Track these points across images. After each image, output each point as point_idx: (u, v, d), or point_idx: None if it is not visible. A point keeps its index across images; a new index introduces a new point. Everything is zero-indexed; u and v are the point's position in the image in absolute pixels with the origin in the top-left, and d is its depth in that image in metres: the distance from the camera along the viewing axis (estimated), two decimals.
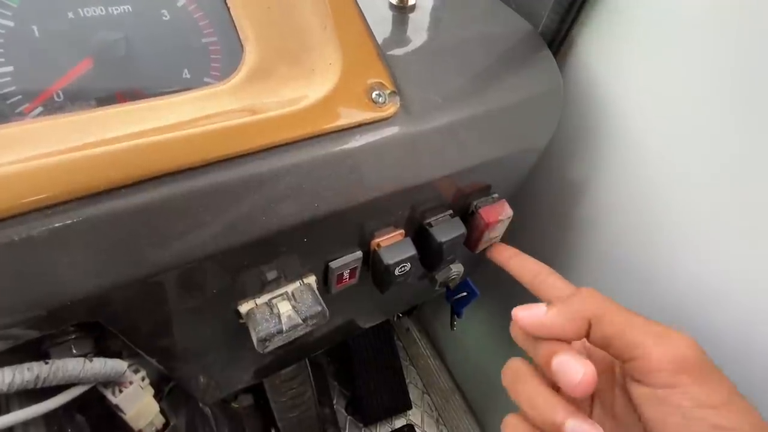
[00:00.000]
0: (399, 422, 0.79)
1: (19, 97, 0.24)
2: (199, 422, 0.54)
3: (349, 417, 0.79)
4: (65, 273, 0.20)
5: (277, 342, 0.27)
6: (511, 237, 0.48)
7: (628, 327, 0.20)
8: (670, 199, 0.32)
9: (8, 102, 0.24)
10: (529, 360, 0.25)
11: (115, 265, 0.21)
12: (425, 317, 0.89)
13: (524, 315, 0.23)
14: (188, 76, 0.26)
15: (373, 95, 0.25)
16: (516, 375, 0.23)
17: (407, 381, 0.81)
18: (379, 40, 0.27)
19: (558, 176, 0.41)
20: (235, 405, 0.76)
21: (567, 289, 0.29)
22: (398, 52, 0.28)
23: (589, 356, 0.25)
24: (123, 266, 0.21)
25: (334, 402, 0.81)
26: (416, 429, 0.78)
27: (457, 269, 0.40)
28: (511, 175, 0.35)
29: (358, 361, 0.77)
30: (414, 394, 0.82)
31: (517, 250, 0.35)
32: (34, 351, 0.25)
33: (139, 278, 0.22)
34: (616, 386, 0.23)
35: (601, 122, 0.35)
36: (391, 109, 0.25)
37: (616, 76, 0.33)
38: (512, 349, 0.62)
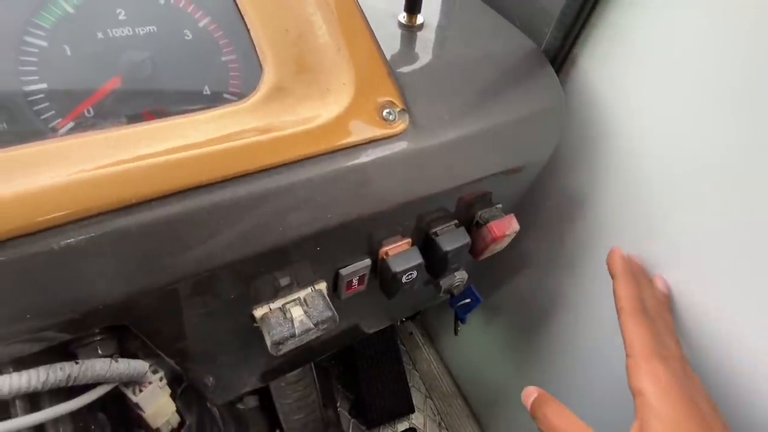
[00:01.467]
0: (402, 426, 0.80)
1: (53, 112, 0.25)
2: (208, 422, 0.55)
3: (352, 420, 0.80)
4: (97, 280, 0.21)
5: (290, 345, 0.29)
6: (513, 245, 0.49)
7: None
8: (670, 211, 0.33)
9: (42, 117, 0.25)
10: None
11: (142, 273, 0.22)
12: (429, 322, 0.90)
13: None
14: (208, 92, 0.28)
15: (384, 113, 0.26)
16: (540, 399, 0.24)
17: (410, 385, 0.82)
18: (389, 58, 0.29)
19: (559, 187, 0.42)
20: (241, 406, 0.77)
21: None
22: (407, 69, 0.29)
23: None
24: (149, 274, 0.23)
25: (338, 405, 0.82)
26: None
27: (461, 276, 0.42)
28: (515, 186, 0.36)
29: (362, 364, 0.78)
30: (417, 398, 0.83)
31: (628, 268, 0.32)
32: (62, 352, 0.26)
33: (163, 285, 0.23)
34: None
35: (602, 136, 0.36)
36: (400, 126, 0.27)
37: (616, 92, 0.34)
38: (514, 354, 0.63)
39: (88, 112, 0.26)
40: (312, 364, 0.70)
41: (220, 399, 0.39)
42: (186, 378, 0.35)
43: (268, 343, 0.28)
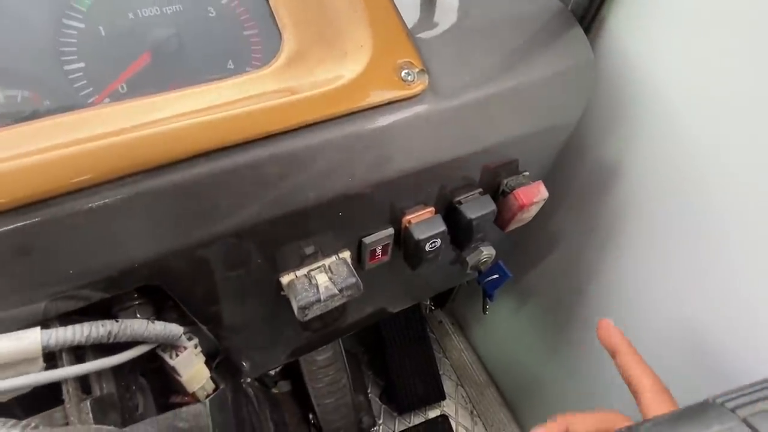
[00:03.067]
0: (433, 413, 0.79)
1: (90, 89, 0.27)
2: (243, 400, 0.57)
3: (383, 406, 0.81)
4: (131, 239, 0.22)
5: (316, 311, 0.29)
6: (543, 222, 0.47)
7: None
8: (713, 179, 0.31)
9: (81, 94, 0.27)
10: None
11: (173, 233, 0.23)
12: (458, 310, 0.89)
13: None
14: (232, 66, 0.29)
15: (403, 74, 0.26)
16: None
17: (441, 373, 0.82)
18: (408, 21, 0.29)
19: (592, 157, 0.41)
20: (275, 391, 0.79)
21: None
22: (426, 31, 0.29)
23: None
24: (179, 234, 0.24)
25: (369, 391, 0.82)
26: (451, 420, 0.78)
27: (488, 252, 0.41)
28: (542, 153, 0.35)
29: (391, 351, 0.78)
30: (448, 386, 0.82)
31: (627, 341, 0.29)
32: (105, 315, 0.28)
33: (192, 245, 0.24)
34: None
35: (635, 101, 0.34)
36: (420, 86, 0.26)
37: (649, 51, 0.32)
38: (547, 340, 0.61)
39: (122, 87, 0.28)
40: (342, 349, 0.71)
41: (252, 371, 0.40)
42: (221, 350, 0.36)
43: (295, 308, 0.29)
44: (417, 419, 0.79)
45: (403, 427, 0.79)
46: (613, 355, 0.29)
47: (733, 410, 0.10)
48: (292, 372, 0.74)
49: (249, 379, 0.67)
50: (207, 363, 0.36)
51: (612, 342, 0.29)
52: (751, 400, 0.10)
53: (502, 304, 0.67)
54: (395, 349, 0.79)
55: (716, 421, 0.10)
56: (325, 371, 0.71)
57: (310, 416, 0.76)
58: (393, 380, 0.77)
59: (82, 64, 0.27)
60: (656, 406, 0.24)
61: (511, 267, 0.51)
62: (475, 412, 0.80)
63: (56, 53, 0.27)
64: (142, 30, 0.28)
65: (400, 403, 0.77)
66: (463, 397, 0.82)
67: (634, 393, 0.26)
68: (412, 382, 0.78)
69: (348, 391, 0.73)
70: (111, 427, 0.17)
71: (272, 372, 0.76)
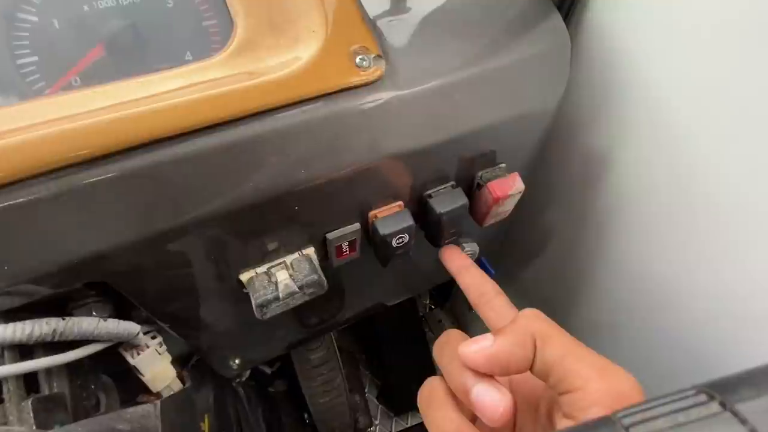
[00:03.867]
0: None
1: (43, 83, 0.27)
2: (230, 400, 0.57)
3: (380, 406, 0.79)
4: (69, 235, 0.22)
5: (275, 309, 0.28)
6: (533, 218, 0.45)
7: (572, 355, 0.19)
8: (707, 169, 0.28)
9: (33, 88, 0.27)
10: None
11: (114, 228, 0.23)
12: (458, 310, 0.87)
13: (471, 351, 0.20)
14: (190, 57, 0.28)
15: (357, 60, 0.25)
16: (430, 398, 0.22)
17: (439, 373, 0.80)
18: (369, 7, 0.27)
19: (579, 148, 0.38)
20: (271, 390, 0.79)
21: (511, 314, 0.27)
22: (385, 16, 0.27)
23: (513, 393, 0.23)
24: (122, 230, 0.23)
25: (366, 391, 0.81)
26: None
27: (471, 248, 0.39)
28: (519, 143, 0.33)
29: (387, 350, 0.77)
30: None
31: (470, 261, 0.32)
32: (60, 312, 0.28)
33: (136, 242, 0.23)
34: (539, 425, 0.22)
35: (623, 87, 0.32)
36: (376, 72, 0.25)
37: (635, 35, 0.30)
38: None
39: (75, 80, 0.27)
40: (336, 347, 0.70)
41: (227, 372, 0.39)
42: (189, 347, 0.35)
43: (253, 305, 0.28)
44: (414, 420, 0.78)
45: (400, 428, 0.77)
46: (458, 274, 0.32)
47: (627, 428, 0.09)
48: (287, 371, 0.74)
49: (243, 378, 0.67)
50: (178, 362, 0.35)
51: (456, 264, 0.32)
52: (651, 416, 0.09)
53: None
54: (392, 349, 0.78)
55: None
56: (319, 370, 0.70)
57: (306, 416, 0.75)
58: (389, 380, 0.76)
59: (35, 58, 0.27)
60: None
61: (500, 264, 0.49)
62: None
63: (9, 47, 0.26)
64: (97, 22, 0.27)
65: (396, 404, 0.76)
66: None
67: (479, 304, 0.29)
68: (408, 382, 0.76)
69: (343, 391, 0.72)
70: (22, 428, 0.16)
71: (268, 371, 0.76)
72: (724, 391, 0.09)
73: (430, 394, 0.22)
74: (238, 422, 0.57)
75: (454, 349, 0.22)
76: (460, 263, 0.32)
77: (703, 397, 0.09)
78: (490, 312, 0.28)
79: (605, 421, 0.09)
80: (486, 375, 0.20)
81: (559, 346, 0.20)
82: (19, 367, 0.22)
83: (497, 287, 0.30)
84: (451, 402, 0.21)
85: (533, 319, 0.21)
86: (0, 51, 0.26)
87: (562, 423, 0.19)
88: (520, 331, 0.20)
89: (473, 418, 0.23)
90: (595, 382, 0.18)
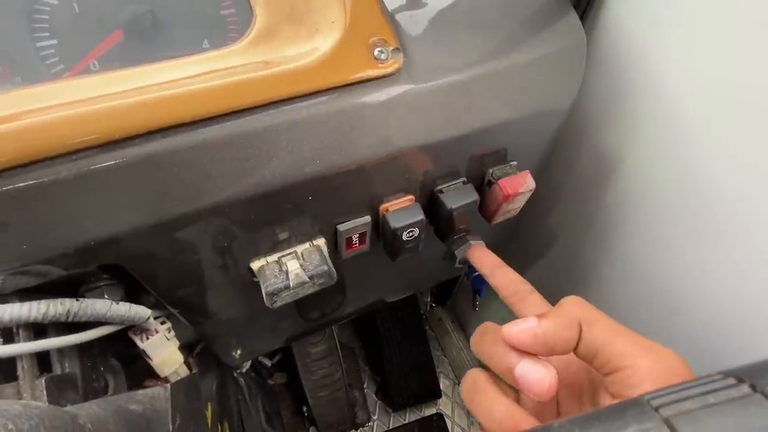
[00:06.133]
0: (429, 411, 0.78)
1: (62, 66, 0.27)
2: (232, 389, 0.57)
3: (379, 402, 0.80)
4: (88, 216, 0.22)
5: (285, 298, 0.28)
6: (541, 217, 0.46)
7: (620, 335, 0.20)
8: (718, 170, 0.28)
9: (52, 71, 0.27)
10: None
11: (132, 211, 0.23)
12: (459, 308, 0.87)
13: (517, 330, 0.21)
14: (208, 46, 0.28)
15: (375, 52, 0.25)
16: (475, 387, 0.22)
17: (438, 371, 0.80)
18: (389, 1, 0.27)
19: (589, 148, 0.38)
20: (271, 382, 0.79)
21: (547, 309, 0.27)
22: (403, 9, 0.27)
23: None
24: (140, 213, 0.23)
25: (365, 386, 0.82)
26: (446, 419, 0.77)
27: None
28: (531, 141, 0.33)
29: (387, 347, 0.77)
30: (445, 384, 0.80)
31: (500, 260, 0.32)
32: (71, 295, 0.28)
33: (153, 226, 0.23)
34: (583, 406, 0.22)
35: (636, 89, 0.32)
36: (394, 65, 0.25)
37: (650, 34, 0.30)
38: None
39: (94, 65, 0.27)
40: (337, 343, 0.71)
41: (231, 361, 0.40)
42: (197, 333, 0.36)
43: (263, 294, 0.28)
44: (412, 416, 0.78)
45: (398, 424, 0.78)
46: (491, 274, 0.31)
47: (656, 409, 0.09)
48: (288, 364, 0.74)
49: (244, 369, 0.68)
50: (189, 350, 0.36)
51: (487, 263, 0.32)
52: (680, 398, 0.09)
53: (501, 302, 0.65)
54: (392, 345, 0.78)
55: (634, 420, 0.09)
56: (319, 364, 0.70)
57: (304, 409, 0.76)
58: (388, 377, 0.76)
59: (54, 41, 0.27)
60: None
61: (507, 262, 0.49)
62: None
63: (29, 30, 0.27)
64: (116, 7, 0.28)
65: (394, 400, 0.76)
66: (460, 396, 0.80)
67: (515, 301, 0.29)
68: (406, 378, 0.77)
69: (342, 385, 0.72)
70: (40, 404, 0.16)
71: (268, 363, 0.76)
72: (754, 375, 0.09)
73: (474, 384, 0.22)
74: (239, 412, 0.58)
75: (494, 335, 0.22)
76: (492, 262, 0.32)
77: (732, 380, 0.09)
78: (527, 308, 0.28)
79: (634, 402, 0.10)
80: (530, 354, 0.21)
81: (605, 328, 0.20)
82: (36, 345, 0.22)
83: (530, 285, 0.30)
84: (496, 388, 0.22)
85: (578, 303, 0.21)
86: (20, 33, 0.27)
87: (609, 402, 0.19)
88: (566, 315, 0.21)
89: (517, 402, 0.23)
90: (644, 359, 0.18)
